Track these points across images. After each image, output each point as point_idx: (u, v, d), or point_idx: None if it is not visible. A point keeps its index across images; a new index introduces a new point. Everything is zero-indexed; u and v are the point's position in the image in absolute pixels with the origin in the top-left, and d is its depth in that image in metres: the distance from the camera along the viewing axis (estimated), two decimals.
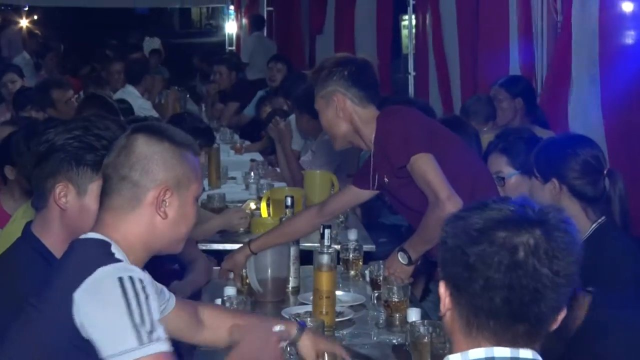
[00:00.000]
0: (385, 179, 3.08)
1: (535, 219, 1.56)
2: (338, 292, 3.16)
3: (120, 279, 1.83)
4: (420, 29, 6.47)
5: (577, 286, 1.74)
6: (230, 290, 3.18)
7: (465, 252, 1.56)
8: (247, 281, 3.37)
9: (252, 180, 5.39)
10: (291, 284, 3.42)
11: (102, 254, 1.91)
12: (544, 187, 2.99)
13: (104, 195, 2.02)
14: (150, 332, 1.83)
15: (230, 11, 13.21)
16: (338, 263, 3.28)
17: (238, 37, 12.87)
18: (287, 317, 3.00)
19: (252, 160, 6.06)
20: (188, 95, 8.78)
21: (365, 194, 3.33)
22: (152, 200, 1.97)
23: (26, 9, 14.85)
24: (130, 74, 7.93)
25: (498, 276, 1.53)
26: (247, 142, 7.26)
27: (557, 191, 2.89)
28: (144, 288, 1.86)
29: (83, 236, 1.99)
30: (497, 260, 1.53)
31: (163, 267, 3.52)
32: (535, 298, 1.54)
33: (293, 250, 3.42)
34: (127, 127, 2.47)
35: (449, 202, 2.78)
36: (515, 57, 5.27)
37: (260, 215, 4.34)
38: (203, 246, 3.93)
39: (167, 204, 1.99)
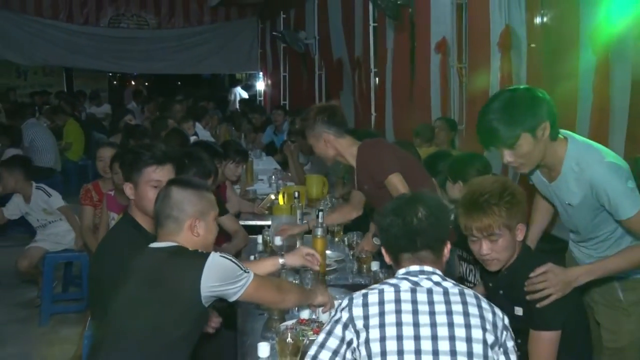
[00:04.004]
0: (365, 187, 3.04)
1: (415, 200, 1.80)
2: (327, 252, 3.11)
3: (222, 256, 1.95)
4: (379, 87, 6.45)
5: (445, 231, 1.81)
6: (260, 247, 3.19)
7: (383, 224, 1.81)
8: (270, 245, 3.33)
9: (273, 181, 5.35)
10: (298, 246, 3.38)
11: (195, 256, 1.96)
12: (454, 186, 2.96)
13: (158, 227, 2.06)
14: (246, 270, 1.98)
15: (260, 75, 13.19)
16: (327, 233, 3.25)
17: (265, 91, 12.87)
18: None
19: (275, 169, 6.04)
20: (233, 128, 8.75)
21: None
22: (188, 227, 2.02)
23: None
24: (197, 114, 7.91)
25: (400, 230, 1.76)
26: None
27: (460, 187, 2.80)
28: (231, 255, 2.02)
29: (160, 245, 2.02)
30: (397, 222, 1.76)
31: (220, 237, 3.55)
32: (422, 235, 1.74)
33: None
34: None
35: None
36: (437, 106, 5.23)
37: (278, 203, 4.32)
38: (242, 222, 3.87)
39: (198, 227, 2.03)
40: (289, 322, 2.27)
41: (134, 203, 2.40)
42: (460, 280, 3.12)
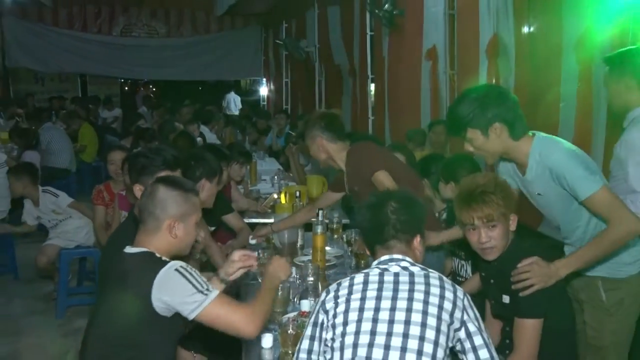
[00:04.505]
0: (355, 188, 3.03)
1: (387, 196, 1.88)
2: (327, 248, 3.11)
3: (176, 269, 1.80)
4: (376, 93, 6.45)
5: (416, 225, 1.84)
6: (253, 240, 3.24)
7: (358, 220, 1.93)
8: (272, 242, 3.33)
9: (275, 181, 5.33)
10: (299, 242, 3.39)
11: (155, 263, 1.83)
12: (446, 186, 2.97)
13: (140, 223, 1.95)
14: (205, 291, 1.80)
15: (263, 81, 13.18)
16: (327, 230, 3.25)
17: (268, 97, 12.87)
18: (298, 263, 2.96)
19: (278, 170, 6.04)
20: (238, 131, 8.74)
21: (336, 196, 3.27)
22: (167, 226, 1.91)
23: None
24: (204, 117, 7.90)
25: (371, 224, 1.85)
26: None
27: (452, 187, 2.82)
28: (190, 268, 1.84)
29: (136, 250, 1.90)
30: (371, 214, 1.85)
31: (226, 234, 3.56)
32: (391, 227, 1.80)
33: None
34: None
35: None
36: (427, 112, 5.23)
37: (280, 202, 4.31)
38: (246, 219, 3.87)
39: (176, 229, 1.92)
40: (291, 315, 2.27)
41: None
42: (453, 275, 3.13)
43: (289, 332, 2.03)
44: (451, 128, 2.24)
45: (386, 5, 5.28)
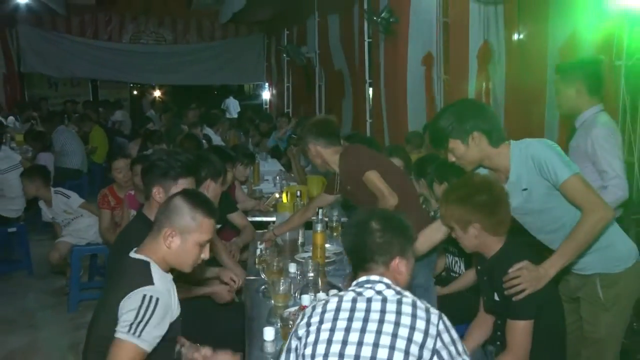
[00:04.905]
0: (348, 187, 3.02)
1: (369, 218, 1.74)
2: (326, 245, 3.10)
3: (144, 295, 1.72)
4: (374, 97, 6.45)
5: (395, 247, 1.71)
6: (262, 245, 3.15)
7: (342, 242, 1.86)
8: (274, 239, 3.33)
9: (277, 181, 5.32)
10: (300, 240, 3.39)
11: (144, 278, 1.77)
12: (440, 186, 2.96)
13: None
14: (141, 332, 1.69)
15: (266, 85, 13.19)
16: (326, 228, 3.24)
17: (270, 100, 12.88)
18: (299, 259, 2.96)
19: (280, 170, 6.03)
20: (242, 133, 8.74)
21: (330, 198, 3.22)
22: (164, 234, 1.84)
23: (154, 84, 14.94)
24: (210, 120, 7.90)
25: (351, 244, 1.77)
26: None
27: (446, 187, 2.79)
28: (155, 307, 1.72)
29: (137, 256, 1.85)
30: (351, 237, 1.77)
31: (231, 231, 3.56)
32: (367, 250, 1.71)
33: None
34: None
35: (390, 197, 2.71)
36: (423, 115, 5.20)
37: (282, 201, 4.31)
38: (249, 218, 3.86)
39: (172, 240, 1.84)
40: (292, 309, 2.26)
41: (154, 204, 2.36)
42: (447, 271, 3.12)
43: (290, 325, 2.02)
44: (434, 141, 2.27)
45: (383, 13, 5.28)
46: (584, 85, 2.56)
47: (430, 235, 2.40)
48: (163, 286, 1.80)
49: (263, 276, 2.75)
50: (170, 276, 1.91)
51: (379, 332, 1.53)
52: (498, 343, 2.15)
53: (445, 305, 2.79)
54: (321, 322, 1.60)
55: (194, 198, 1.91)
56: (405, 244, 1.73)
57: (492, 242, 2.05)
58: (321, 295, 2.30)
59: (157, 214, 1.92)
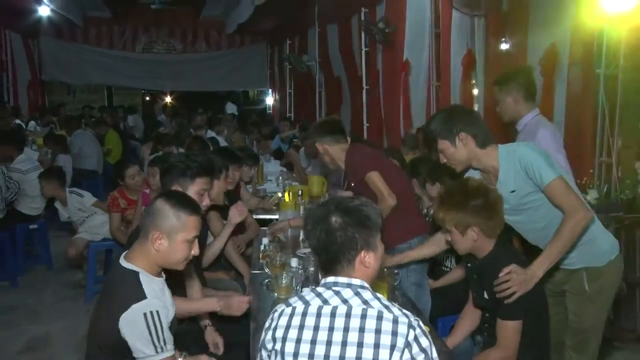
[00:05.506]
0: (352, 184, 3.02)
1: (328, 213, 1.51)
2: None
3: (145, 314, 1.66)
4: (371, 102, 6.43)
5: (360, 243, 1.50)
6: (265, 240, 3.10)
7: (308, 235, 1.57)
8: (277, 236, 3.31)
9: (280, 181, 5.32)
10: (301, 237, 3.35)
11: (134, 291, 1.70)
12: (432, 186, 2.95)
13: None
14: (164, 344, 1.69)
15: (269, 91, 13.19)
16: None
17: (273, 106, 12.88)
18: (300, 255, 2.93)
19: (281, 171, 6.02)
20: (246, 136, 8.73)
21: (345, 193, 3.23)
22: (152, 237, 1.77)
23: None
24: (216, 123, 7.89)
25: (314, 246, 1.54)
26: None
27: (438, 187, 2.83)
28: (159, 318, 1.68)
29: (124, 264, 1.77)
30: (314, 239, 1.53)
31: (237, 229, 3.53)
32: (332, 251, 1.50)
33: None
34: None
35: (389, 197, 2.72)
36: (420, 118, 5.19)
37: (284, 200, 4.29)
38: (254, 216, 3.84)
39: (160, 243, 1.77)
40: None
41: None
42: (438, 265, 3.11)
43: None
44: (426, 142, 2.32)
45: (379, 24, 5.27)
46: (520, 93, 2.69)
47: (436, 243, 2.42)
48: (154, 294, 1.73)
49: (267, 270, 2.74)
50: (160, 280, 1.83)
51: (344, 344, 1.40)
52: (485, 334, 2.16)
53: (438, 298, 2.80)
54: (287, 331, 1.47)
55: (175, 198, 1.84)
56: (369, 235, 1.51)
57: (487, 244, 2.04)
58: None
59: (142, 220, 1.85)
